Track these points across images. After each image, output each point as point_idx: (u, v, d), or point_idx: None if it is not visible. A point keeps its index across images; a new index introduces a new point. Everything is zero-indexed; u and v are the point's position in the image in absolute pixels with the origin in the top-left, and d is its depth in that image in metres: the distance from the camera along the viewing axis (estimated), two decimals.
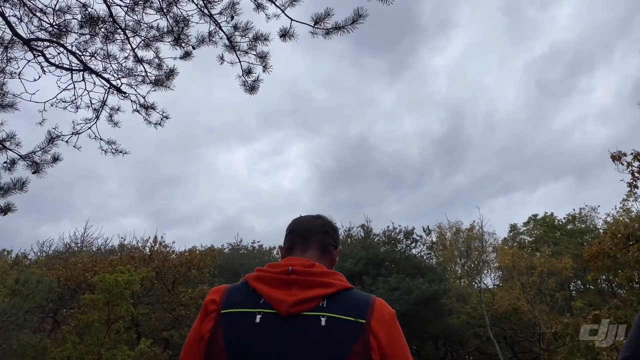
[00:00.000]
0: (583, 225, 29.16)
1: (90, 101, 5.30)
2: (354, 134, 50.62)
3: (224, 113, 54.40)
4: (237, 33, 4.99)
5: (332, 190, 47.20)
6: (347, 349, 1.16)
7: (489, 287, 22.66)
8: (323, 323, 1.19)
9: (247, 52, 5.10)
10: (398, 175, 47.11)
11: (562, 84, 49.44)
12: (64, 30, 4.84)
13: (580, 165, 41.45)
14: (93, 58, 5.11)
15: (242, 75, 5.20)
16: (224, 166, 50.52)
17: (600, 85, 49.68)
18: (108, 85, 5.23)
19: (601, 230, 24.25)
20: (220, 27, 4.91)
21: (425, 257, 24.41)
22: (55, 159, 5.16)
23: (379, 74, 53.35)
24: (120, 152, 5.52)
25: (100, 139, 5.39)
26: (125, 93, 5.30)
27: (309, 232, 1.51)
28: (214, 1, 4.71)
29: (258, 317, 1.21)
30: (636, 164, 10.50)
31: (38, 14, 4.76)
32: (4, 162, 5.04)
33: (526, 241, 30.58)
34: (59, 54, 4.96)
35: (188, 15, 4.89)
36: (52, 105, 5.16)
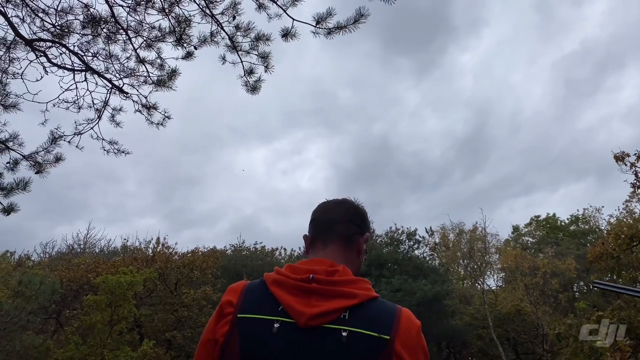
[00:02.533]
0: (586, 226, 29.06)
1: (93, 101, 5.32)
2: (376, 134, 49.86)
3: (247, 112, 54.03)
4: (238, 33, 5.00)
5: (351, 191, 46.49)
6: None
7: (492, 288, 22.62)
8: (344, 338, 1.12)
9: (248, 52, 5.11)
10: (418, 176, 46.69)
11: (590, 83, 48.78)
12: (66, 30, 4.86)
13: (603, 165, 40.67)
14: (95, 58, 5.13)
15: (244, 75, 5.20)
16: (242, 166, 49.84)
17: (629, 84, 48.64)
18: (110, 86, 5.25)
19: (605, 231, 24.16)
20: (222, 27, 4.91)
21: (428, 259, 24.37)
22: (58, 159, 5.18)
23: (407, 73, 52.57)
24: (123, 152, 5.54)
25: (102, 139, 5.41)
26: (127, 93, 5.31)
27: (331, 223, 1.41)
28: (215, 1, 4.72)
29: (276, 325, 1.16)
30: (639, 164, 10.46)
31: (40, 14, 4.78)
32: (7, 162, 5.06)
33: (529, 242, 30.50)
34: (61, 54, 4.99)
35: (190, 16, 4.91)
36: (54, 106, 5.18)
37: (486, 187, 43.14)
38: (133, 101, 5.41)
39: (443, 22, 46.51)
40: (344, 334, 1.12)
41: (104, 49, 5.12)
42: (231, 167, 48.55)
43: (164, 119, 5.54)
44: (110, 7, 4.75)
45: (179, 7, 4.86)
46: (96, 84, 5.24)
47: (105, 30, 4.96)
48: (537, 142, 46.28)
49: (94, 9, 4.82)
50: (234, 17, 4.82)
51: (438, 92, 52.40)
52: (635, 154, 10.41)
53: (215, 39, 5.02)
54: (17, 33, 4.61)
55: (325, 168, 51.35)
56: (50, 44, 4.91)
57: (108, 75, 5.22)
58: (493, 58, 54.62)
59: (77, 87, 5.18)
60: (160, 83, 5.37)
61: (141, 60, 5.27)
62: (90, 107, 5.33)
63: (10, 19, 4.57)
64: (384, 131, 50.92)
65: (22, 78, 4.93)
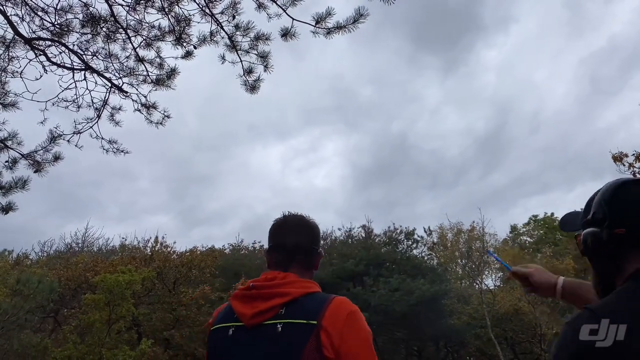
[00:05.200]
0: None
1: (92, 100, 5.32)
2: (395, 132, 49.32)
3: (265, 109, 53.38)
4: (238, 32, 4.99)
5: (367, 189, 45.88)
6: (299, 350, 1.25)
7: (490, 287, 22.64)
8: (279, 329, 1.29)
9: (248, 52, 5.11)
10: (435, 174, 46.21)
11: (615, 81, 47.91)
12: (65, 29, 4.85)
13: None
14: (94, 57, 5.13)
15: (244, 74, 5.20)
16: (257, 163, 49.26)
17: None
18: (109, 85, 5.24)
19: None
20: (221, 27, 4.91)
21: (426, 258, 24.40)
22: (57, 157, 5.18)
23: (432, 70, 51.82)
24: (122, 151, 5.53)
25: (102, 138, 5.41)
26: (126, 92, 5.31)
27: (294, 252, 1.51)
28: (215, 1, 4.72)
29: (231, 330, 1.38)
30: (638, 165, 10.47)
31: (40, 13, 4.77)
32: (6, 161, 5.05)
33: (527, 242, 30.52)
34: (60, 53, 4.98)
35: (189, 15, 4.91)
36: (53, 105, 5.18)
37: (502, 186, 42.74)
38: (132, 100, 5.41)
39: (473, 20, 46.10)
40: (279, 326, 1.30)
41: (103, 48, 5.13)
42: (246, 165, 48.13)
43: (163, 118, 5.54)
44: (110, 6, 4.75)
45: (178, 6, 4.86)
46: (95, 83, 5.25)
47: (104, 29, 4.96)
48: (556, 140, 45.56)
49: (94, 7, 4.82)
50: (234, 17, 4.82)
51: (461, 89, 51.43)
52: (633, 154, 10.43)
53: (215, 39, 5.02)
54: (17, 32, 4.61)
55: (342, 166, 50.68)
56: (50, 42, 4.91)
57: (107, 74, 5.22)
58: (519, 55, 53.81)
59: (76, 86, 5.18)
60: (159, 82, 5.37)
61: (140, 60, 5.26)
62: (90, 106, 5.33)
63: (10, 17, 4.57)
64: (402, 129, 50.37)
65: (21, 77, 4.94)
